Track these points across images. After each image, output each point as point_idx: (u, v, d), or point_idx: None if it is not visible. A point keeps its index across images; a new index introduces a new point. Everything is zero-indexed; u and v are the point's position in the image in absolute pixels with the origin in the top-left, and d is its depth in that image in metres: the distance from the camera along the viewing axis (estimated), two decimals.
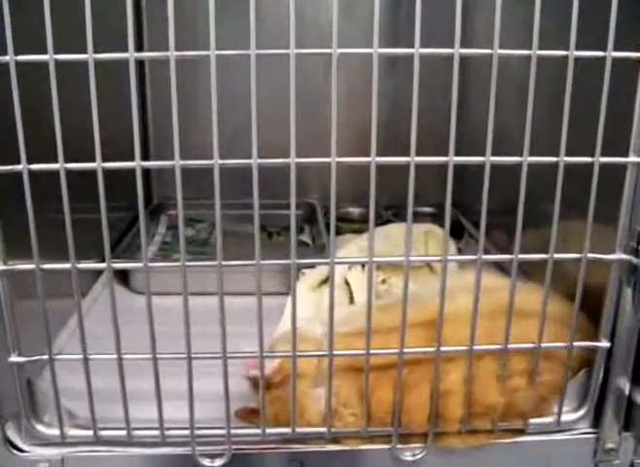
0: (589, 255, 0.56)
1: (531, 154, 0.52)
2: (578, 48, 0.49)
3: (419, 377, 0.59)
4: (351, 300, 0.94)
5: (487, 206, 0.53)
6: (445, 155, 0.51)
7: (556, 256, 0.55)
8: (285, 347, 0.61)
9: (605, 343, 0.59)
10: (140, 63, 1.33)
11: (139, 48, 1.27)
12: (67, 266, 0.53)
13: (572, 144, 0.52)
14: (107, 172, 0.50)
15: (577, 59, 0.50)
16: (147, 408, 0.59)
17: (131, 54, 0.48)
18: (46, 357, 0.56)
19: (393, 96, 1.27)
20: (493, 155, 0.52)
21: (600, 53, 0.50)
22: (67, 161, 0.50)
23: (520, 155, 0.52)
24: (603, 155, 0.52)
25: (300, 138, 0.49)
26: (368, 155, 0.50)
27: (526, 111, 0.51)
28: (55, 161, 0.50)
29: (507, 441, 0.63)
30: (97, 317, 0.84)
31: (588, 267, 0.56)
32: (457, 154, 0.51)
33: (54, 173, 0.50)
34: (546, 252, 0.55)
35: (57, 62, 0.48)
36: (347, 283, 0.94)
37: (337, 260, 0.54)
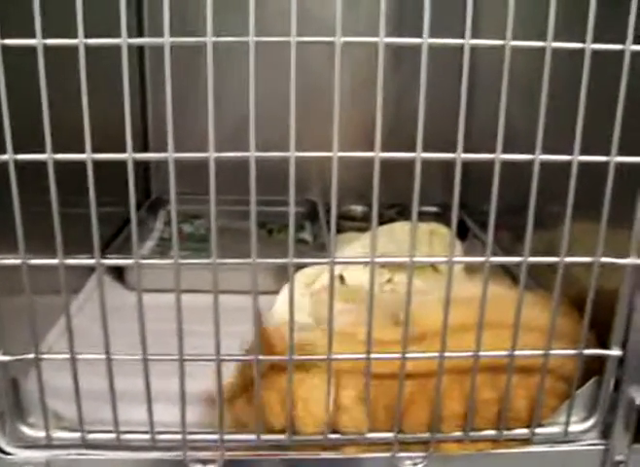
0: (602, 259, 0.53)
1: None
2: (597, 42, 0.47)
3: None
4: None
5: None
6: (452, 153, 0.49)
7: (567, 259, 0.53)
8: None
9: (617, 352, 0.57)
10: (141, 61, 1.31)
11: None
12: (55, 261, 0.51)
13: (588, 143, 0.49)
14: (106, 166, 0.48)
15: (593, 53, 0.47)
16: (137, 409, 0.57)
17: (124, 40, 0.45)
18: (31, 356, 0.54)
19: (398, 95, 1.24)
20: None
21: (619, 47, 0.47)
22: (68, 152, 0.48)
23: (527, 153, 0.50)
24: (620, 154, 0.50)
25: (305, 135, 0.47)
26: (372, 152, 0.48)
27: (537, 109, 0.48)
28: (64, 151, 0.48)
29: (512, 451, 0.61)
30: (90, 315, 0.82)
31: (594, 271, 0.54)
32: (464, 153, 0.49)
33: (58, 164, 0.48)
34: (552, 256, 0.53)
35: (47, 47, 0.45)
36: (341, 278, 0.92)
37: (337, 259, 0.52)
